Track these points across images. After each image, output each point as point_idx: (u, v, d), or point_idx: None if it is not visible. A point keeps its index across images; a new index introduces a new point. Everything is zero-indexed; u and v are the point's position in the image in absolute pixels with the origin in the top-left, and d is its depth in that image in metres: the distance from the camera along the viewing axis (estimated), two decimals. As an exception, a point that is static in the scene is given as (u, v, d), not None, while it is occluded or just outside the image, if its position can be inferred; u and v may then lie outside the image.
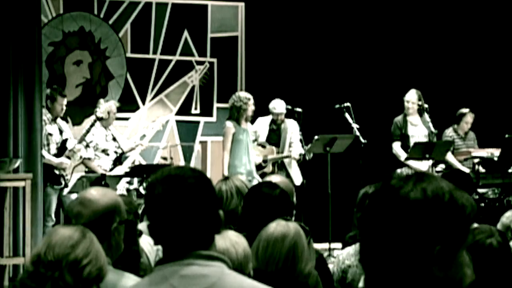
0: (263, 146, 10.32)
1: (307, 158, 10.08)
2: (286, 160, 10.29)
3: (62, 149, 9.64)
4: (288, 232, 3.60)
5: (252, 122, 10.35)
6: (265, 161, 10.27)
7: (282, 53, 11.73)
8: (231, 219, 4.49)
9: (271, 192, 4.34)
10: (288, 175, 10.07)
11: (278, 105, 10.25)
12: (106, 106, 10.15)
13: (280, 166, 10.31)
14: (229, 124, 9.85)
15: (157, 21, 11.68)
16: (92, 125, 9.95)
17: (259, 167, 10.25)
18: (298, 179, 10.25)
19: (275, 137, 10.30)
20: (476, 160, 10.43)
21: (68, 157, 9.65)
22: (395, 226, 1.68)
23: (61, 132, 9.82)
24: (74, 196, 9.81)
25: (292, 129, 10.29)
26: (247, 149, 9.87)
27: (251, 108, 9.84)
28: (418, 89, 10.34)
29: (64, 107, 9.76)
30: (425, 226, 1.68)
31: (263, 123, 10.34)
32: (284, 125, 10.31)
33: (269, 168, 10.27)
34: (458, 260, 1.72)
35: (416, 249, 1.67)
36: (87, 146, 10.03)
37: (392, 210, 1.70)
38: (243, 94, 9.95)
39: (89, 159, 10.01)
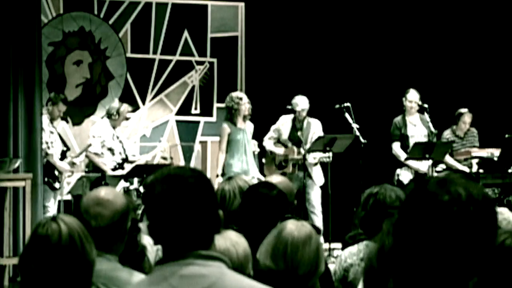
0: (285, 146, 10.26)
1: (325, 161, 10.05)
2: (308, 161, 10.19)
3: (62, 157, 9.64)
4: (311, 233, 3.61)
5: (274, 120, 10.36)
6: (285, 160, 10.22)
7: (282, 53, 11.73)
8: (233, 219, 4.48)
9: (268, 192, 4.33)
10: (309, 176, 10.08)
11: (300, 101, 10.17)
12: (119, 105, 10.17)
13: (300, 167, 10.25)
14: (225, 125, 9.90)
15: (157, 21, 11.68)
16: (90, 145, 9.95)
17: (280, 166, 10.21)
18: (319, 180, 10.21)
19: (297, 135, 10.23)
20: (476, 160, 10.43)
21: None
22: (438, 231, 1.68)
23: (60, 137, 9.83)
24: (68, 196, 9.84)
25: (314, 129, 10.23)
26: (244, 148, 9.87)
27: (244, 107, 9.84)
28: (418, 89, 10.34)
29: (62, 114, 9.81)
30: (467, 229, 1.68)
31: (286, 121, 10.28)
32: (307, 123, 10.26)
33: (289, 169, 10.22)
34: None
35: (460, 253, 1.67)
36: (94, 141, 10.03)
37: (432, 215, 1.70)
38: (235, 94, 9.96)
39: (95, 154, 10.00)
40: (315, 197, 10.13)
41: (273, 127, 10.34)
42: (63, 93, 10.30)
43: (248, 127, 9.95)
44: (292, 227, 3.63)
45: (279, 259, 3.56)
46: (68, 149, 9.90)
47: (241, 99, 9.83)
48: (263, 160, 10.49)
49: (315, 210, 10.14)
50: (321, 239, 10.09)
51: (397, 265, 1.73)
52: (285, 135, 10.24)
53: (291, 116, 10.27)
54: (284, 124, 10.28)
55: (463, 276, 1.69)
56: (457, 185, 1.72)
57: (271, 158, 10.40)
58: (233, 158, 9.80)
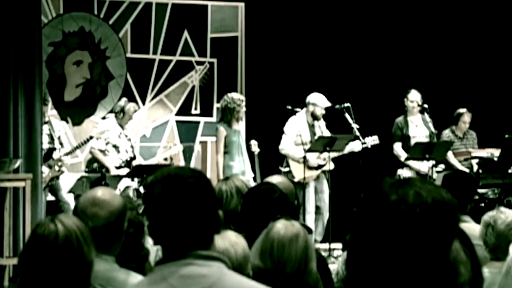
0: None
1: (374, 143, 10.01)
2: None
3: (46, 157, 9.58)
4: (299, 232, 3.63)
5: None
6: (323, 159, 10.02)
7: (282, 53, 11.73)
8: (231, 219, 4.49)
9: (270, 193, 4.34)
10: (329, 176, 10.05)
11: (322, 100, 10.00)
12: (125, 104, 10.17)
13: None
14: (221, 128, 9.85)
15: (157, 21, 11.68)
16: (87, 141, 9.92)
17: (320, 166, 10.03)
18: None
19: (312, 134, 10.03)
20: (475, 161, 10.43)
21: (50, 166, 9.64)
22: (388, 231, 1.69)
23: (52, 138, 9.79)
24: (68, 196, 9.83)
25: (321, 125, 10.17)
26: (240, 149, 9.86)
27: (243, 109, 9.85)
28: (418, 89, 10.34)
29: (47, 114, 9.82)
30: (417, 229, 1.68)
31: (300, 122, 10.04)
32: (318, 122, 10.16)
33: (329, 166, 10.00)
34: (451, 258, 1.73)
35: (414, 251, 1.67)
36: (98, 137, 10.03)
37: (383, 215, 1.71)
38: (236, 96, 9.93)
39: (100, 150, 10.01)
40: (327, 197, 10.07)
41: (290, 131, 9.98)
42: (63, 93, 10.30)
43: (241, 127, 9.97)
44: (280, 226, 3.66)
45: (266, 258, 3.58)
46: (55, 149, 9.82)
47: (242, 101, 9.83)
48: (281, 168, 10.03)
49: (324, 211, 10.07)
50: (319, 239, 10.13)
51: (353, 266, 1.73)
52: (307, 137, 9.98)
53: (301, 116, 10.10)
54: (300, 125, 10.03)
55: (415, 278, 1.69)
56: (408, 186, 1.73)
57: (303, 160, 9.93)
58: (232, 160, 9.79)
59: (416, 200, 1.71)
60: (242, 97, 9.95)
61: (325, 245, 9.93)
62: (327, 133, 10.12)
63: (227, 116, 9.87)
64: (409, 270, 1.68)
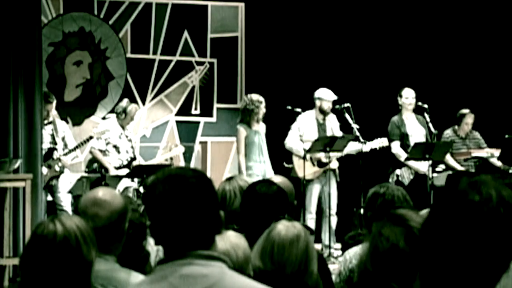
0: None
1: (383, 145, 9.96)
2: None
3: (46, 157, 9.57)
4: (300, 234, 3.63)
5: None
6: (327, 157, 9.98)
7: (282, 53, 11.73)
8: (234, 218, 4.50)
9: (267, 190, 4.34)
10: (335, 174, 10.00)
11: (328, 94, 9.97)
12: (127, 105, 10.17)
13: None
14: (241, 128, 9.83)
15: (157, 21, 11.68)
16: (87, 140, 9.91)
17: (320, 164, 9.97)
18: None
19: (322, 132, 9.98)
20: (475, 160, 10.43)
21: (49, 166, 9.63)
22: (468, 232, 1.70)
23: (53, 138, 9.79)
24: (66, 196, 9.83)
25: (332, 124, 10.13)
26: (261, 149, 9.85)
27: (262, 111, 9.85)
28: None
29: (51, 113, 9.81)
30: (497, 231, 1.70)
31: (308, 118, 10.03)
32: (328, 119, 10.13)
33: (334, 164, 9.99)
34: None
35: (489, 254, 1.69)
36: (99, 137, 10.03)
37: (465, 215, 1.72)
38: (255, 97, 9.91)
39: (100, 150, 10.01)
40: (329, 199, 10.00)
41: (295, 127, 10.01)
42: (63, 93, 10.30)
43: (261, 128, 9.96)
44: (281, 227, 3.66)
45: (266, 259, 3.58)
46: (55, 149, 9.82)
47: (261, 102, 9.83)
48: (285, 164, 10.07)
49: (332, 211, 10.01)
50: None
51: (425, 264, 1.74)
52: (310, 135, 9.92)
53: (310, 114, 10.06)
54: (306, 122, 10.00)
55: (491, 276, 1.70)
56: (488, 186, 1.75)
57: (309, 156, 9.92)
58: (252, 161, 9.78)
59: (500, 201, 1.72)
60: (261, 98, 9.91)
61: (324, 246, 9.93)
62: (338, 134, 10.05)
63: (246, 117, 9.85)
64: (483, 268, 1.69)
